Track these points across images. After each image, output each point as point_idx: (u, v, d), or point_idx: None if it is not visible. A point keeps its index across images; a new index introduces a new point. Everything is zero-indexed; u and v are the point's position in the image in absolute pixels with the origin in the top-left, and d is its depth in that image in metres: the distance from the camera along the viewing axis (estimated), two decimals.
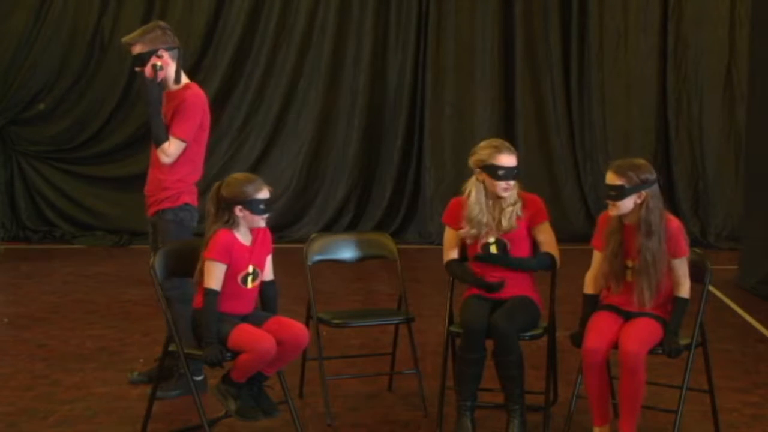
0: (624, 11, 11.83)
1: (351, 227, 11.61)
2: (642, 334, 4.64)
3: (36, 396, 5.64)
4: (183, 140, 5.52)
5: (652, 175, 4.75)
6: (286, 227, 11.35)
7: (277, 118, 11.83)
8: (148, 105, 5.54)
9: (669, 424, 4.89)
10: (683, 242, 4.78)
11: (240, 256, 4.73)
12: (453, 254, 5.20)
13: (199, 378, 5.42)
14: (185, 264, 4.92)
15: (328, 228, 11.46)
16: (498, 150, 5.05)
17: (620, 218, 4.79)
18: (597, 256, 4.89)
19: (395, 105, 11.88)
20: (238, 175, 4.83)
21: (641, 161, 4.82)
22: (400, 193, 11.87)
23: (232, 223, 4.71)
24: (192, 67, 11.33)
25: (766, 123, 8.87)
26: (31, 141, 11.78)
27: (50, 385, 5.86)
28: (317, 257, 5.60)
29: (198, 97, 5.62)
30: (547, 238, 5.14)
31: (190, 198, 5.64)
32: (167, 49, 5.56)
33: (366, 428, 5.22)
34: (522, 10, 11.81)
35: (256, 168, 11.68)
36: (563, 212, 11.46)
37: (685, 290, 4.77)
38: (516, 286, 5.07)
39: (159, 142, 5.53)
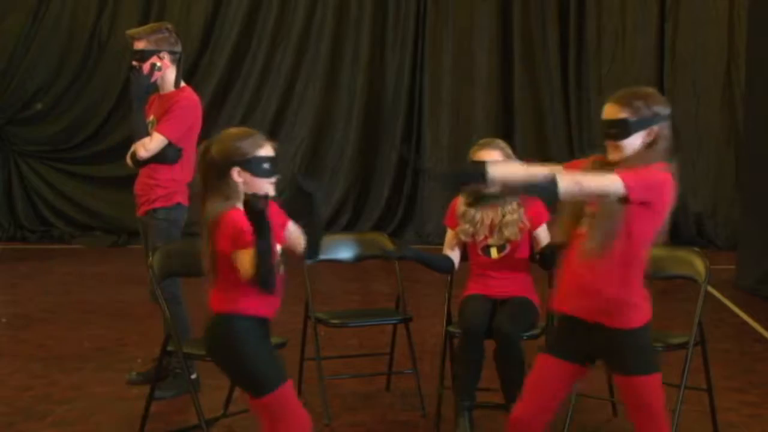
0: (621, 11, 11.85)
1: (349, 227, 11.63)
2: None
3: (34, 396, 5.63)
4: (166, 138, 5.53)
5: (667, 109, 3.58)
6: None
7: (275, 118, 11.85)
8: (134, 98, 5.55)
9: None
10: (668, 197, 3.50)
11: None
12: (448, 252, 5.20)
13: (192, 376, 5.40)
14: (184, 264, 4.91)
15: (326, 228, 11.45)
16: (480, 147, 5.05)
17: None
18: None
19: (393, 105, 11.89)
20: (231, 130, 3.79)
21: (651, 89, 3.64)
22: (398, 193, 11.88)
23: (232, 196, 3.63)
24: (190, 66, 11.33)
25: (764, 123, 8.87)
26: (28, 141, 11.78)
27: (48, 385, 5.85)
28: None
29: (191, 101, 5.64)
30: (545, 238, 5.15)
31: (182, 198, 5.64)
32: (170, 53, 5.58)
33: (364, 428, 5.21)
34: (520, 11, 11.83)
35: None
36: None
37: None
38: (516, 286, 5.07)
39: (139, 137, 5.54)
